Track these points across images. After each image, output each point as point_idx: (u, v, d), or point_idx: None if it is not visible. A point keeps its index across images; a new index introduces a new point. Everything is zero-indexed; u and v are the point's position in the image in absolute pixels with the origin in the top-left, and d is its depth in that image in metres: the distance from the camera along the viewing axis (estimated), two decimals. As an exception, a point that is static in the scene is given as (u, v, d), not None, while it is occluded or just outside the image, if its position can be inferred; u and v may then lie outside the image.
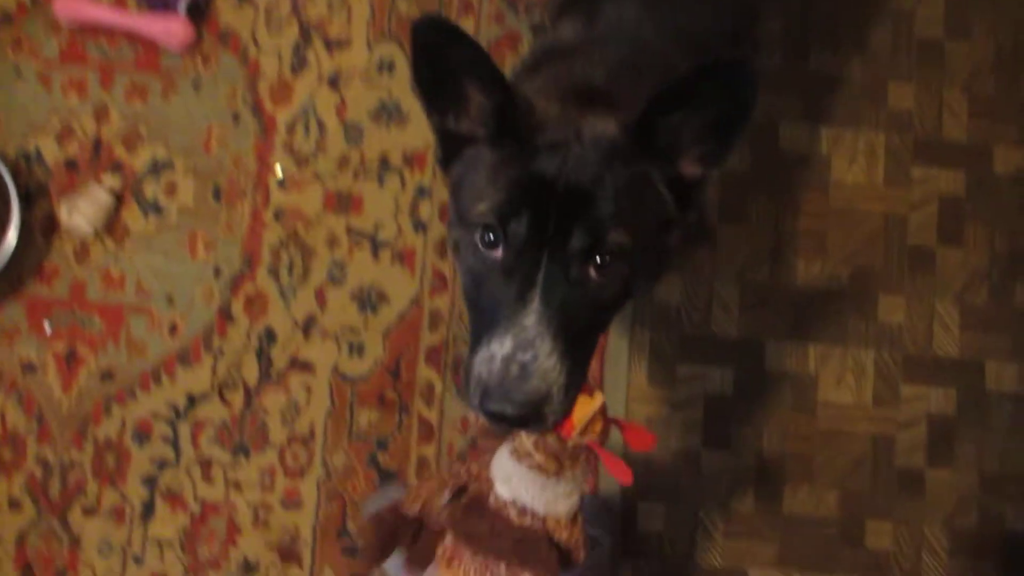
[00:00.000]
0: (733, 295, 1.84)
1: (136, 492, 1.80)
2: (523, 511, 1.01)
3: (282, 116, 1.87)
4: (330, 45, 1.88)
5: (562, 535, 1.00)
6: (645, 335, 1.82)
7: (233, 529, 1.79)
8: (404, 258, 1.84)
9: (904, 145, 1.88)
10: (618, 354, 1.81)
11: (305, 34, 1.88)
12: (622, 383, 1.80)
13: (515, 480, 1.02)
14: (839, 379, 1.82)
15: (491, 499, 1.03)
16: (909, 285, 1.85)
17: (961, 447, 1.81)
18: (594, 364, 1.73)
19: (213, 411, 1.82)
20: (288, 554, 1.77)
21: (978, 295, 1.85)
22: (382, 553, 1.15)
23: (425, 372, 1.81)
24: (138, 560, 1.78)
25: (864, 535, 1.78)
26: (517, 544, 0.99)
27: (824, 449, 1.80)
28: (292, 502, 1.79)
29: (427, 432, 1.80)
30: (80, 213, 1.80)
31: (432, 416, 1.80)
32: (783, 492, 1.79)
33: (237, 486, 1.80)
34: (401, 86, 1.87)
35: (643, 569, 1.77)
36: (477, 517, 1.02)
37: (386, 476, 1.78)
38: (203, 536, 1.79)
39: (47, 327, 1.84)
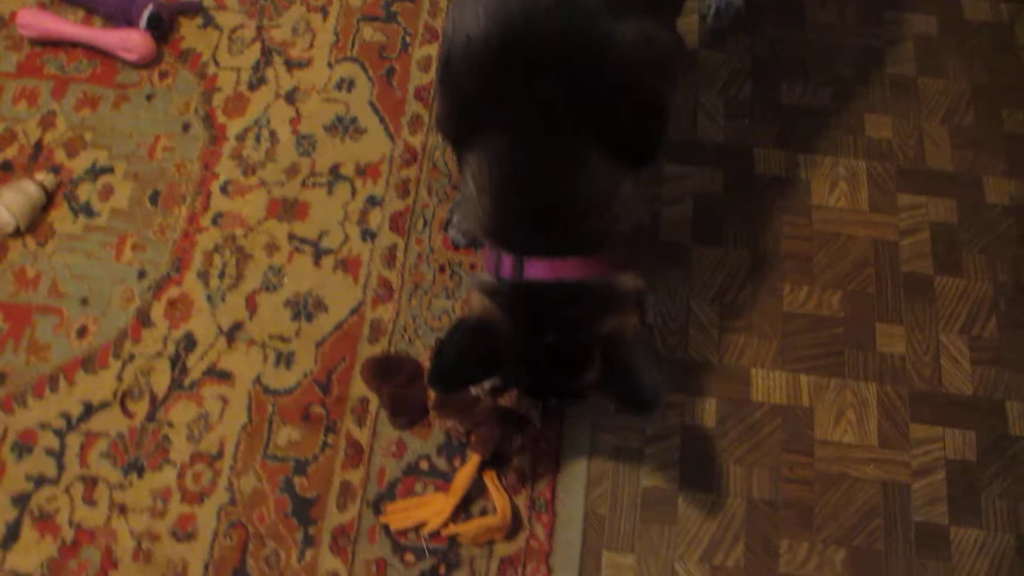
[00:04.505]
0: (712, 317, 1.64)
1: (2, 512, 1.50)
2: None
3: (234, 126, 1.80)
4: (291, 65, 1.85)
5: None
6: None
7: (108, 562, 1.46)
8: (348, 266, 1.67)
9: (887, 172, 1.77)
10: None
11: (267, 55, 1.86)
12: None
13: None
14: (839, 415, 1.57)
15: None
16: (908, 314, 1.65)
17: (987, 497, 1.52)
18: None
19: (110, 422, 1.56)
20: (169, 590, 1.43)
21: (986, 327, 1.65)
22: (375, 381, 1.54)
23: (359, 387, 1.57)
24: (-13, 598, 1.44)
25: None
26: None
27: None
28: (185, 532, 1.48)
29: (356, 454, 1.53)
30: (3, 203, 1.67)
31: (363, 437, 1.54)
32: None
33: (122, 510, 1.49)
34: (360, 102, 1.81)
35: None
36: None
37: (301, 502, 1.49)
38: (70, 569, 1.46)
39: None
